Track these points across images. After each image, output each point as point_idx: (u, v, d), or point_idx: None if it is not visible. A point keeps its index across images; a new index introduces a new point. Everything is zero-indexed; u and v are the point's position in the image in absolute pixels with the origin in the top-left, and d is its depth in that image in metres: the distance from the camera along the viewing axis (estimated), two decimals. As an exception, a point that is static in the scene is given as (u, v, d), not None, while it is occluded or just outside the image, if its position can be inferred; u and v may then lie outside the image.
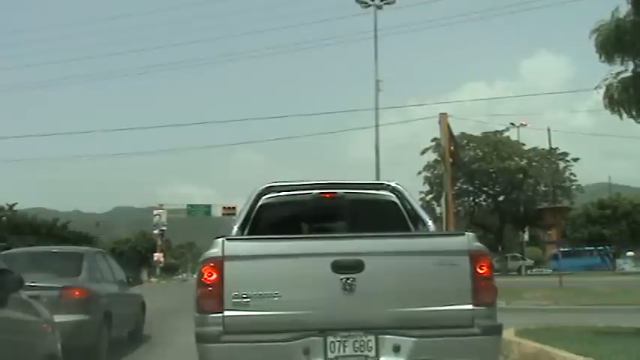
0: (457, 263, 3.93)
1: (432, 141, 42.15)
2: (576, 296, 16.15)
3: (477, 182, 45.41)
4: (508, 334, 7.71)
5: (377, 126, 29.68)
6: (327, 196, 5.63)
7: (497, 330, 4.01)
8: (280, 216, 5.65)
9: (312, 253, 3.98)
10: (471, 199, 47.10)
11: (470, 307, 3.89)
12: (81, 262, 8.09)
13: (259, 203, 5.52)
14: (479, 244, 4.07)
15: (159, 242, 57.07)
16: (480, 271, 3.93)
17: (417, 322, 3.86)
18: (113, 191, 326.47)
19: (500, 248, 47.35)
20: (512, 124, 46.70)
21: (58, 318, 5.67)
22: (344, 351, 3.83)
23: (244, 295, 3.83)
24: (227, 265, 3.87)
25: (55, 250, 9.53)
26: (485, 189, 46.60)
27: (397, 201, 5.59)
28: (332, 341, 3.84)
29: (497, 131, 44.52)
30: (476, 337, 3.85)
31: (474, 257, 3.95)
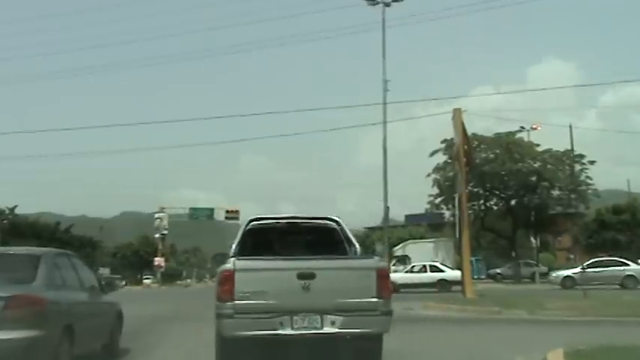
0: (370, 274, 6.37)
1: (442, 142, 40.90)
2: (603, 307, 14.72)
3: (487, 185, 43.80)
4: (556, 356, 6.38)
5: (385, 122, 28.49)
6: (291, 224, 8.22)
7: (390, 313, 6.43)
8: (261, 237, 8.14)
9: (285, 268, 6.41)
10: (482, 202, 45.47)
11: (375, 299, 6.29)
12: (37, 266, 6.73)
13: (247, 228, 8.06)
14: (382, 263, 6.81)
15: (160, 246, 55.90)
16: (382, 279, 6.37)
17: (345, 308, 6.27)
18: (120, 196, 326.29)
19: (513, 254, 45.66)
20: (522, 127, 45.33)
21: (2, 335, 5.39)
22: (303, 324, 6.26)
23: (246, 292, 6.24)
24: (236, 274, 6.29)
25: (6, 252, 7.84)
26: (497, 192, 45.02)
27: (337, 228, 8.07)
28: (296, 319, 6.26)
29: (510, 132, 43.04)
30: (378, 316, 6.31)
31: (378, 271, 6.41)
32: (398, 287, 29.71)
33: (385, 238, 38.83)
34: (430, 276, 30.14)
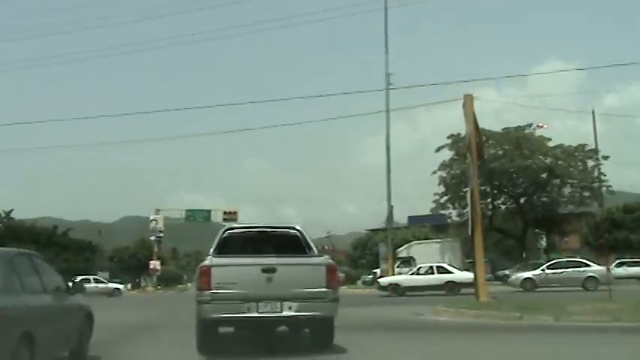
0: (320, 269, 8.15)
1: (448, 138, 39.43)
2: (637, 310, 13.17)
3: (495, 183, 42.07)
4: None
5: (387, 110, 27.07)
6: (260, 232, 9.69)
7: (337, 300, 8.20)
8: (234, 243, 9.47)
9: (252, 264, 8.17)
10: (489, 200, 43.76)
11: (325, 289, 8.05)
12: None
13: (223, 236, 9.48)
14: (330, 260, 8.40)
15: (155, 249, 54.46)
16: (330, 273, 8.14)
17: (300, 296, 7.99)
18: (122, 201, 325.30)
19: (524, 254, 43.90)
20: (530, 124, 43.74)
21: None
22: (266, 308, 7.94)
23: (221, 282, 7.90)
24: (212, 269, 7.97)
25: None
26: (506, 190, 43.28)
27: (299, 235, 9.46)
28: (260, 304, 7.93)
29: (519, 127, 41.35)
30: (327, 302, 8.06)
31: (328, 267, 8.19)
32: (403, 290, 28.21)
33: (389, 238, 37.34)
34: (438, 278, 28.54)
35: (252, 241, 9.61)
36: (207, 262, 7.98)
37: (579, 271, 28.20)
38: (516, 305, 15.06)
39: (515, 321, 12.86)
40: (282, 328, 9.68)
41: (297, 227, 9.63)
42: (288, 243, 9.27)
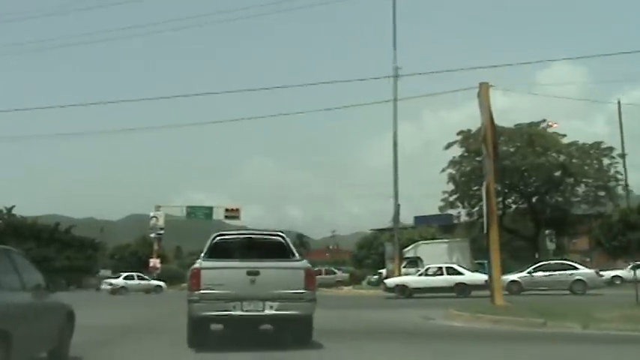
0: (299, 272, 8.98)
1: (458, 134, 38.14)
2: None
3: (506, 181, 40.62)
4: None
5: (395, 99, 25.70)
6: (248, 238, 10.55)
7: (314, 300, 8.98)
8: (224, 248, 10.13)
9: (238, 267, 8.94)
10: (500, 199, 42.38)
11: (303, 290, 8.82)
12: None
13: (214, 241, 10.18)
14: (309, 265, 9.31)
15: (155, 247, 53.43)
16: (308, 276, 8.97)
17: (281, 296, 8.75)
18: (127, 199, 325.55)
19: (536, 256, 42.47)
20: (543, 120, 42.40)
21: None
22: (250, 307, 8.70)
23: (209, 283, 8.69)
24: (202, 271, 8.82)
25: None
26: (518, 189, 41.78)
27: (283, 241, 10.23)
28: (245, 303, 8.70)
29: (532, 123, 39.88)
30: (305, 302, 8.82)
31: (306, 270, 9.05)
32: (411, 291, 26.98)
33: (395, 237, 36.14)
34: (447, 279, 27.25)
35: (239, 246, 10.33)
36: (197, 265, 8.92)
37: (567, 274, 27.19)
38: (537, 310, 13.84)
39: (538, 328, 11.62)
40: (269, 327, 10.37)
41: (281, 234, 10.50)
42: (273, 248, 9.98)
